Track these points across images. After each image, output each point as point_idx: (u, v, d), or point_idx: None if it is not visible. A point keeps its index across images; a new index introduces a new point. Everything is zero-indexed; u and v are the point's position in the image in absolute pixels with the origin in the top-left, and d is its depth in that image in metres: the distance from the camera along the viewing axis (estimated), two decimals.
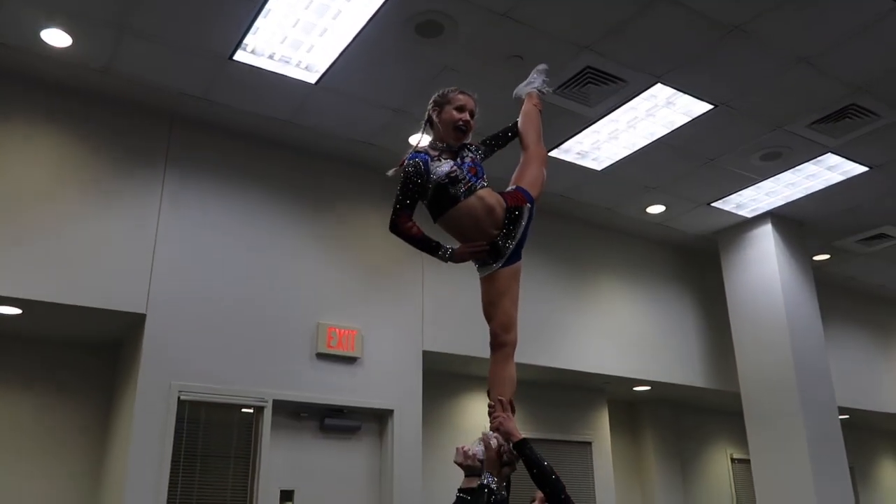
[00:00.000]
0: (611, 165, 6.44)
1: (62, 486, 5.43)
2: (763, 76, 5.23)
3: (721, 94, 5.44)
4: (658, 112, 5.68)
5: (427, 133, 2.92)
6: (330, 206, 6.14)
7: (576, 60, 5.02)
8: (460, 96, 2.86)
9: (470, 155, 2.85)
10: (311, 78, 5.20)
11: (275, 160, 5.99)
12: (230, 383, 5.30)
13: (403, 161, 2.80)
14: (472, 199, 2.73)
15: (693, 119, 5.73)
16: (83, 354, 5.75)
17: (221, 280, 5.48)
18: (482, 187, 2.77)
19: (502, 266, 2.76)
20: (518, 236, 2.79)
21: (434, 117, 2.87)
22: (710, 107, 5.58)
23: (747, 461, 7.35)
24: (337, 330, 5.78)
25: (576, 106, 5.53)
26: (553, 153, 6.18)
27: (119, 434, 5.28)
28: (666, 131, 5.91)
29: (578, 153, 6.26)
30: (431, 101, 2.91)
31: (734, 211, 7.34)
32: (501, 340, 2.71)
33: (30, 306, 4.97)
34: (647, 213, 7.40)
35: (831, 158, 6.36)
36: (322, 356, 5.70)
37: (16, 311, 5.06)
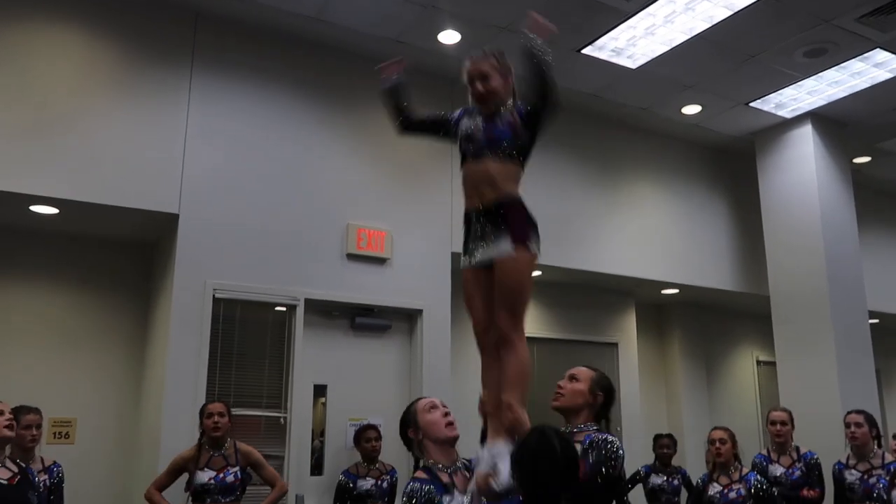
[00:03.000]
0: (646, 63, 6.22)
1: (106, 381, 5.67)
2: None
3: None
4: (698, 5, 5.42)
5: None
6: (358, 105, 6.05)
7: None
8: (467, 64, 2.69)
9: (505, 119, 2.63)
10: None
11: (302, 58, 5.89)
12: (263, 282, 5.40)
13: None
14: (467, 167, 2.64)
15: (735, 13, 5.47)
16: (120, 254, 5.88)
17: (252, 180, 5.50)
18: (486, 156, 2.58)
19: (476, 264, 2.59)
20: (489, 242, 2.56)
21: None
22: None
23: (773, 364, 7.41)
24: (367, 231, 5.82)
25: None
26: (586, 50, 6.00)
27: (158, 331, 5.45)
28: (706, 26, 5.66)
29: (613, 50, 6.05)
30: None
31: (773, 111, 7.11)
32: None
33: (65, 206, 5.06)
34: (682, 113, 7.20)
35: (879, 54, 6.07)
36: (352, 257, 5.77)
37: (53, 210, 5.16)
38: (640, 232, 7.33)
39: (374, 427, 5.36)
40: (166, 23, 5.41)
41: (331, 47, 5.97)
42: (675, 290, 7.95)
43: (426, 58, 6.07)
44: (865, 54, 6.06)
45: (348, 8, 5.46)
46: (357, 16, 5.57)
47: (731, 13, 5.49)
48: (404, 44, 5.90)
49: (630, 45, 5.98)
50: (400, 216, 6.04)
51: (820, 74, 6.41)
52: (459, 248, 6.24)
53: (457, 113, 2.78)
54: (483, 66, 2.66)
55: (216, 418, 4.51)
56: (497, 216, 2.53)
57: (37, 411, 4.24)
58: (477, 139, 2.62)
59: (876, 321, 8.34)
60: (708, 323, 8.98)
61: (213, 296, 5.21)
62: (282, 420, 5.41)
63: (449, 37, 5.79)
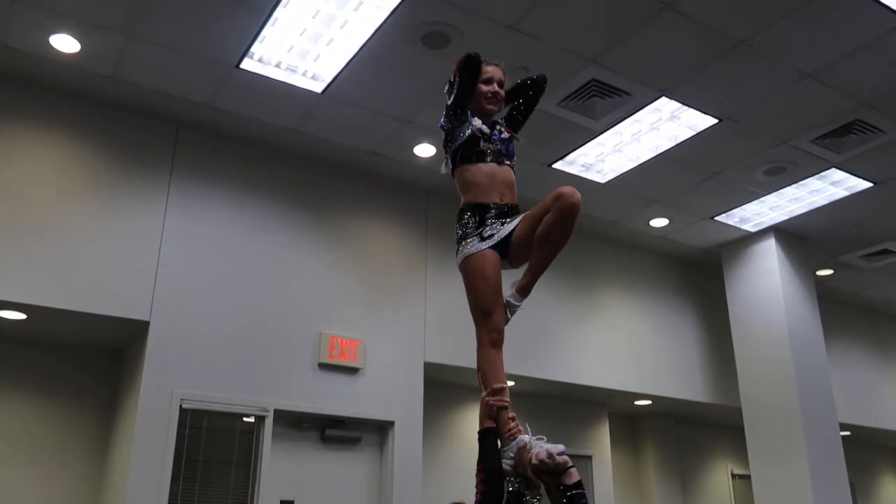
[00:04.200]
0: (615, 178, 6.44)
1: (65, 490, 5.40)
2: (768, 91, 5.24)
3: (726, 109, 5.46)
4: (663, 125, 5.69)
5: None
6: (334, 215, 6.14)
7: (581, 73, 5.04)
8: (488, 68, 2.84)
9: (500, 129, 2.85)
10: (318, 87, 5.22)
11: (280, 168, 6.00)
12: (232, 392, 5.29)
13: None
14: (492, 167, 2.76)
15: (697, 133, 5.75)
16: (87, 360, 5.73)
17: (225, 289, 5.48)
18: (506, 164, 2.81)
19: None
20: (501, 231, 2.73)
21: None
22: (715, 121, 5.59)
23: (748, 477, 7.32)
24: (339, 340, 5.78)
25: (581, 118, 5.55)
26: (557, 165, 6.21)
27: (121, 440, 5.26)
28: (670, 145, 5.92)
29: (583, 165, 6.27)
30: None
31: (737, 225, 7.34)
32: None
33: (35, 312, 4.97)
34: (650, 226, 7.40)
35: (835, 174, 6.36)
36: (324, 366, 5.69)
37: (21, 316, 5.07)
38: (611, 343, 7.36)
39: None
40: (147, 132, 5.51)
41: (308, 158, 6.11)
42: (648, 402, 7.92)
43: (402, 169, 6.23)
44: (822, 173, 6.34)
45: (327, 121, 5.63)
46: (336, 128, 5.73)
47: (694, 133, 5.76)
48: (381, 156, 6.07)
49: (599, 160, 6.21)
50: (373, 326, 6.02)
51: (780, 191, 6.67)
52: (433, 359, 6.15)
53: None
54: (502, 74, 2.86)
55: None
56: (512, 215, 2.76)
57: None
58: (497, 145, 2.80)
59: (847, 433, 8.33)
60: (682, 435, 8.90)
61: (181, 406, 5.07)
62: None
63: (424, 150, 5.97)
